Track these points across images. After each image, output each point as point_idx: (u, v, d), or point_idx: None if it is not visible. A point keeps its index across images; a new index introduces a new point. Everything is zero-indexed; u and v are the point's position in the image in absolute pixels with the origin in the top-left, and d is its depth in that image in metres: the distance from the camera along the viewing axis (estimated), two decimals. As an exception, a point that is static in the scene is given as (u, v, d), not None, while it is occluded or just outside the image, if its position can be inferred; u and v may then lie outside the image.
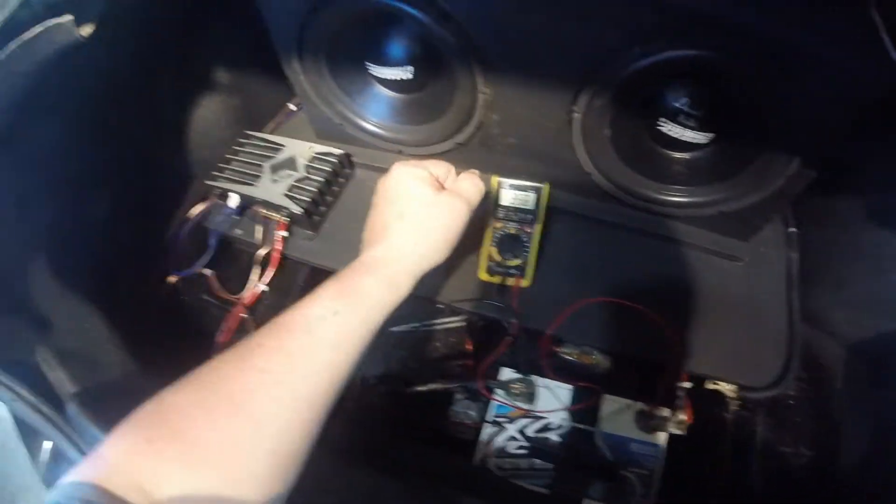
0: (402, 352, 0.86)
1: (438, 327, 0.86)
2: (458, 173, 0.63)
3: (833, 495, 0.77)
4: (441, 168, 0.61)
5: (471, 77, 0.68)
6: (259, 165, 0.84)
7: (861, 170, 0.78)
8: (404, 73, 0.75)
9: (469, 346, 0.84)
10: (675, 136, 0.69)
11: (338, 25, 0.70)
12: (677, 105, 0.66)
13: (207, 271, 0.87)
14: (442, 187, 0.59)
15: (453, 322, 0.85)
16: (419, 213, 0.56)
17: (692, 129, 0.68)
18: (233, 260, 0.91)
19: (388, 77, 0.77)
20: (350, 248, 0.59)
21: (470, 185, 0.60)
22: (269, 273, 0.85)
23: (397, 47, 0.74)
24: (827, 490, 0.78)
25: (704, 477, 0.79)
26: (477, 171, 0.63)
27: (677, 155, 0.73)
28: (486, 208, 0.74)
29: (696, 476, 0.79)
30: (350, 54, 0.76)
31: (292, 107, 0.99)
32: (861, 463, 0.76)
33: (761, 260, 0.81)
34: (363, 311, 0.49)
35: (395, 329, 0.88)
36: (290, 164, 0.85)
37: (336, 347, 0.46)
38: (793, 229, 0.84)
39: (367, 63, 0.76)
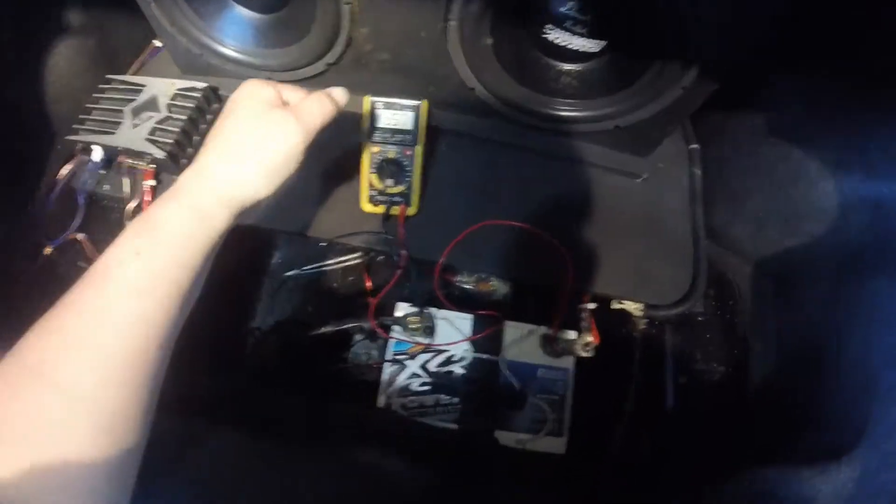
0: (297, 297, 0.81)
1: (334, 267, 0.80)
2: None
3: (744, 408, 0.77)
4: (294, 92, 0.53)
5: None
6: (119, 111, 0.76)
7: (759, 86, 0.76)
8: None
9: (368, 284, 0.79)
10: (564, 44, 0.64)
11: None
12: (564, 10, 0.61)
13: (80, 235, 0.79)
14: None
15: (350, 260, 0.80)
16: (240, 131, 0.47)
17: (581, 36, 0.63)
18: (105, 219, 0.83)
19: None
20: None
21: (312, 106, 0.50)
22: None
23: None
24: (739, 403, 0.78)
25: (617, 397, 0.78)
26: (339, 90, 0.56)
27: (567, 66, 0.68)
28: (362, 131, 0.67)
29: (608, 397, 0.78)
30: None
31: (157, 43, 0.89)
32: (769, 375, 0.76)
33: (662, 176, 0.78)
34: (170, 249, 0.41)
35: (289, 273, 0.82)
36: (152, 104, 0.76)
37: (143, 294, 0.39)
38: (694, 146, 0.82)
39: None
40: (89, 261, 0.80)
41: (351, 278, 0.80)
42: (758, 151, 0.77)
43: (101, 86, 0.79)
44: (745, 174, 0.78)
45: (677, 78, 0.61)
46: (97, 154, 0.76)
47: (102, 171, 0.78)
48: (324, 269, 0.81)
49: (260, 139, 0.46)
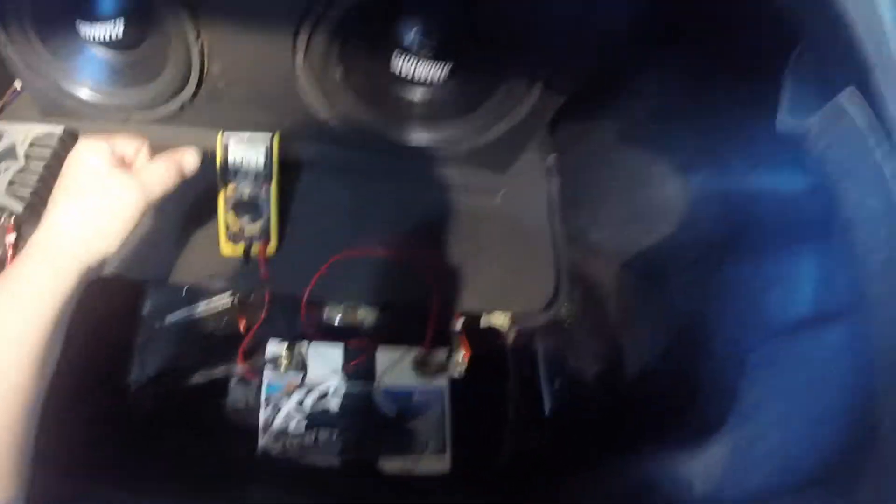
0: (171, 345, 0.78)
1: (207, 313, 0.79)
2: (166, 152, 0.54)
3: (623, 404, 0.82)
4: (130, 145, 0.53)
5: (181, 24, 0.61)
6: None
7: (609, 94, 0.82)
8: (115, 27, 0.66)
9: (242, 326, 0.78)
10: (411, 70, 0.67)
11: None
12: (408, 37, 0.64)
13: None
14: (127, 166, 0.52)
15: (220, 303, 0.79)
16: (85, 191, 0.48)
17: (427, 61, 0.66)
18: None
19: (100, 35, 0.68)
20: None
21: (155, 173, 0.51)
22: None
23: None
24: (617, 399, 0.83)
25: (496, 410, 0.81)
26: (190, 155, 0.55)
27: (416, 92, 0.71)
28: (217, 169, 0.67)
29: (487, 410, 0.81)
30: (57, 13, 0.66)
31: (17, 86, 0.85)
32: (644, 369, 0.82)
33: (521, 190, 0.83)
34: (26, 303, 0.42)
35: (164, 323, 0.79)
36: (10, 153, 0.73)
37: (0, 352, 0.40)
38: (552, 155, 0.87)
39: (77, 20, 0.66)
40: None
41: (225, 319, 0.79)
42: (611, 157, 0.83)
43: None
44: (602, 179, 0.84)
45: (522, 98, 0.66)
46: None
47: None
48: (195, 314, 0.79)
49: (99, 203, 0.47)
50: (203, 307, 0.79)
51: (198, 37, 0.63)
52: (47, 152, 0.73)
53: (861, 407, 0.39)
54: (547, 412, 0.83)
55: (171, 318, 0.80)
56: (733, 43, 0.62)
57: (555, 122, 0.71)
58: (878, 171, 0.34)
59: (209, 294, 0.80)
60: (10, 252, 0.71)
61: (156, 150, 0.58)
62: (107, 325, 0.83)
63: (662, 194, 0.74)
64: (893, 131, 0.33)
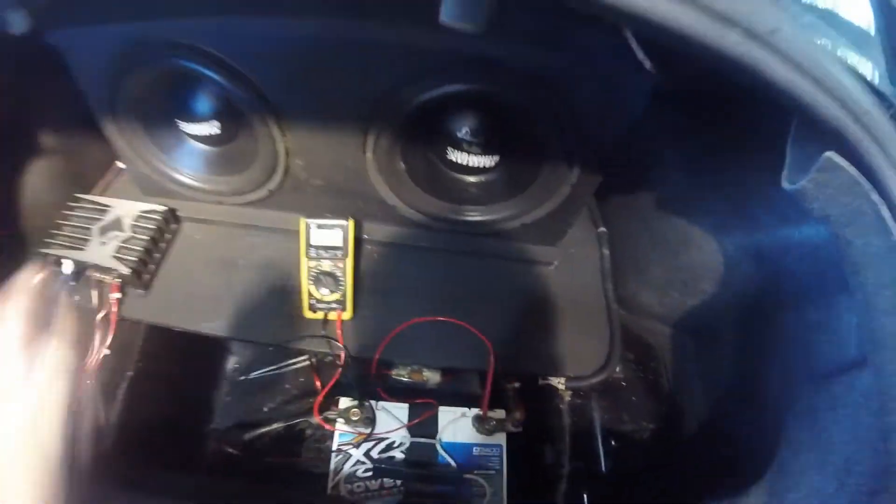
0: (253, 398, 0.88)
1: (287, 369, 0.88)
2: None
3: (681, 458, 0.84)
4: None
5: (268, 128, 0.72)
6: (88, 229, 0.85)
7: (645, 167, 0.87)
8: (211, 128, 0.78)
9: (317, 384, 0.86)
10: (464, 162, 0.75)
11: (145, 87, 0.72)
12: (460, 134, 0.73)
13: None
14: None
15: (299, 362, 0.88)
16: None
17: (477, 154, 0.74)
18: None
19: (198, 133, 0.80)
20: (182, 303, 0.68)
21: None
22: (109, 336, 0.85)
23: (202, 105, 0.77)
24: (674, 455, 0.85)
25: (552, 466, 0.84)
26: None
27: (470, 178, 0.80)
28: (300, 249, 0.77)
29: (543, 467, 0.84)
30: (161, 113, 0.78)
31: (120, 165, 0.99)
32: (700, 424, 0.84)
33: (573, 260, 0.88)
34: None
35: (244, 377, 0.90)
36: (117, 224, 0.86)
37: None
38: (602, 228, 0.92)
39: (178, 120, 0.79)
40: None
41: (301, 379, 0.88)
42: (652, 224, 0.87)
43: (69, 203, 0.88)
44: (646, 245, 0.89)
45: (564, 178, 0.73)
46: (67, 267, 0.84)
47: (73, 283, 0.86)
48: (276, 371, 0.88)
49: None
50: (283, 366, 0.89)
51: (283, 136, 0.73)
52: (151, 226, 0.85)
53: (884, 449, 0.41)
54: (604, 468, 0.86)
55: (254, 373, 0.90)
56: (740, 115, 0.67)
57: (601, 196, 0.76)
58: (877, 211, 0.37)
59: (290, 355, 0.90)
60: (114, 308, 0.83)
61: (245, 229, 0.68)
62: (196, 376, 0.95)
63: (701, 256, 0.78)
64: (878, 178, 0.37)
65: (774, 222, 0.68)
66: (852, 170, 0.38)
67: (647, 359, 0.93)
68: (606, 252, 0.90)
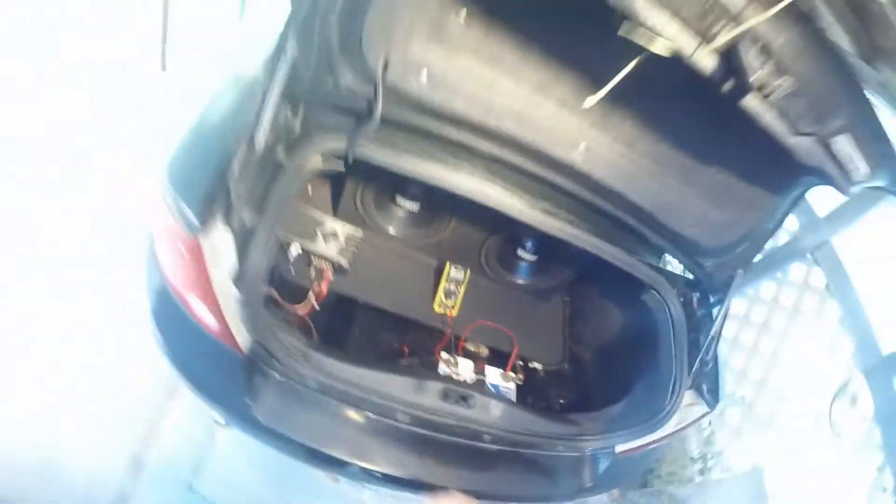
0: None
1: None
2: None
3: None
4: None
5: (442, 211, 1.56)
6: (314, 231, 1.56)
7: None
8: (415, 205, 1.60)
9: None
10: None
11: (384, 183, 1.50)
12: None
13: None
14: None
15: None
16: None
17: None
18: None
19: (405, 205, 1.61)
20: (363, 285, 1.46)
21: None
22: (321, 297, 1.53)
23: (415, 192, 1.59)
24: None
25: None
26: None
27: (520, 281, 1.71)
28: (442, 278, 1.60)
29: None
30: (387, 191, 1.57)
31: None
32: None
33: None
34: None
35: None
36: (334, 235, 1.59)
37: None
38: (566, 298, 1.86)
39: (396, 195, 1.59)
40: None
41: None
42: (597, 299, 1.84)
43: (305, 213, 1.57)
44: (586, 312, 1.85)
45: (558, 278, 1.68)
46: (295, 249, 1.52)
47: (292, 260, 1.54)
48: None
49: None
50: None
51: (450, 223, 1.56)
52: (353, 244, 1.59)
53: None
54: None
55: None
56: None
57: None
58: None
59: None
60: (325, 282, 1.53)
61: (406, 257, 1.52)
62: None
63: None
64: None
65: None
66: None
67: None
68: (567, 312, 1.85)
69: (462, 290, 1.63)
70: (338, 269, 1.55)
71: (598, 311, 1.81)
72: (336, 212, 1.63)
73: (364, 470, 1.20)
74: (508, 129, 1.18)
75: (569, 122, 1.18)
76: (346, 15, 1.01)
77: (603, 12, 0.82)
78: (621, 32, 0.84)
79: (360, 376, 1.15)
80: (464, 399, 1.22)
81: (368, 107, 1.10)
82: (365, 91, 1.09)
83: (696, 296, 1.49)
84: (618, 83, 0.94)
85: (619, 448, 1.39)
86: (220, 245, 1.02)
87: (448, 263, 1.63)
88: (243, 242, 1.04)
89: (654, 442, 1.42)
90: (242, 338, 1.08)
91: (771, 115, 0.90)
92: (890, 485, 1.80)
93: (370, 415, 1.17)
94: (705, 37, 0.82)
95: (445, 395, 1.21)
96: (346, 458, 1.19)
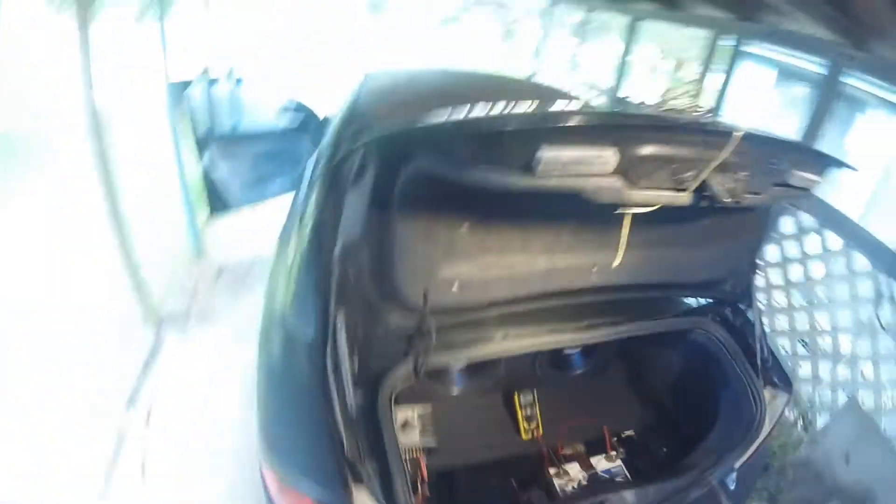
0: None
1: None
2: None
3: None
4: None
5: None
6: None
7: None
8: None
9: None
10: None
11: None
12: None
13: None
14: None
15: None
16: None
17: None
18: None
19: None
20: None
21: None
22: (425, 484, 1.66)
23: None
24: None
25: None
26: None
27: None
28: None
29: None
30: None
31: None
32: None
33: None
34: None
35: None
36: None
37: None
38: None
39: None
40: None
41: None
42: None
43: None
44: None
45: None
46: None
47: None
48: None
49: None
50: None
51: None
52: (429, 421, 1.73)
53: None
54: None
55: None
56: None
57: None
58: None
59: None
60: (425, 475, 1.63)
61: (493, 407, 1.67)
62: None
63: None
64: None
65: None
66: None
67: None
68: None
69: (537, 408, 1.78)
70: (428, 450, 1.69)
71: (656, 359, 1.96)
72: (401, 400, 1.77)
73: None
74: (534, 289, 1.43)
75: (578, 259, 1.44)
76: (377, 272, 1.23)
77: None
78: (619, 211, 1.13)
79: None
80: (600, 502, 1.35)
81: (420, 330, 1.30)
82: (412, 322, 1.30)
83: (728, 311, 1.72)
84: (603, 218, 1.17)
85: (737, 463, 1.52)
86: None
87: (515, 393, 1.79)
88: (383, 489, 1.17)
89: (761, 444, 1.56)
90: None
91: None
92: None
93: None
94: (680, 187, 1.09)
95: None
96: None
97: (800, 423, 2.51)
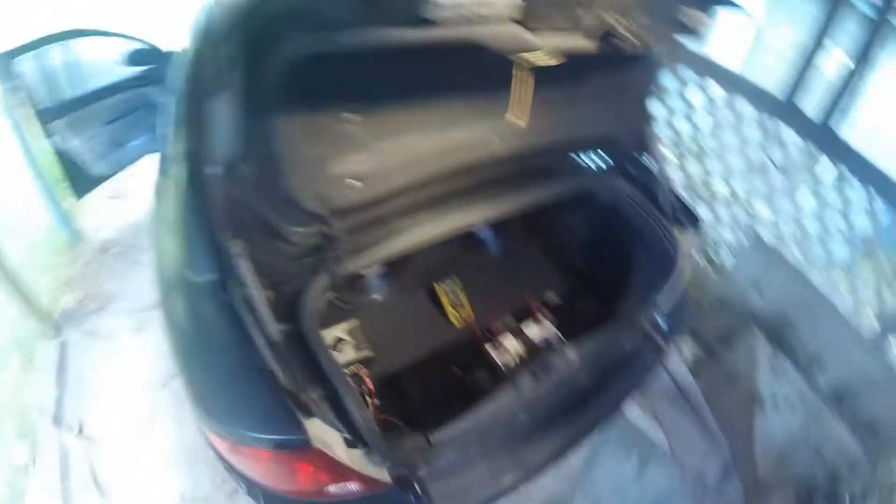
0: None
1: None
2: None
3: None
4: None
5: None
6: None
7: None
8: None
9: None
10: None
11: None
12: None
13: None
14: None
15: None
16: None
17: None
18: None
19: None
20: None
21: None
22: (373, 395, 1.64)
23: None
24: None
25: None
26: None
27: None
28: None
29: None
30: None
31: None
32: None
33: None
34: None
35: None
36: None
37: None
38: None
39: None
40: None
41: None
42: None
43: None
44: None
45: None
46: None
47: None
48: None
49: None
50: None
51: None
52: (359, 334, 1.71)
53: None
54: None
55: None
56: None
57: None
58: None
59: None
60: (371, 388, 1.61)
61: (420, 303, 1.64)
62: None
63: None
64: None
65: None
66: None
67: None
68: None
69: (462, 294, 1.80)
70: (366, 362, 1.66)
71: (568, 222, 2.00)
72: (328, 321, 1.70)
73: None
74: (437, 169, 1.35)
75: (477, 131, 1.37)
76: (265, 186, 1.10)
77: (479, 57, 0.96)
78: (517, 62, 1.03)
79: (478, 413, 1.25)
80: (547, 366, 1.37)
81: (327, 237, 1.19)
82: (317, 230, 1.19)
83: (629, 165, 1.76)
84: (497, 83, 1.09)
85: (664, 305, 1.62)
86: (325, 434, 1.09)
87: (435, 284, 1.78)
88: (335, 412, 1.12)
89: (679, 279, 1.64)
90: (382, 475, 1.18)
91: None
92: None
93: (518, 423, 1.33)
94: (578, 28, 1.02)
95: (534, 375, 1.35)
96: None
97: (708, 262, 2.73)
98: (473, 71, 1.09)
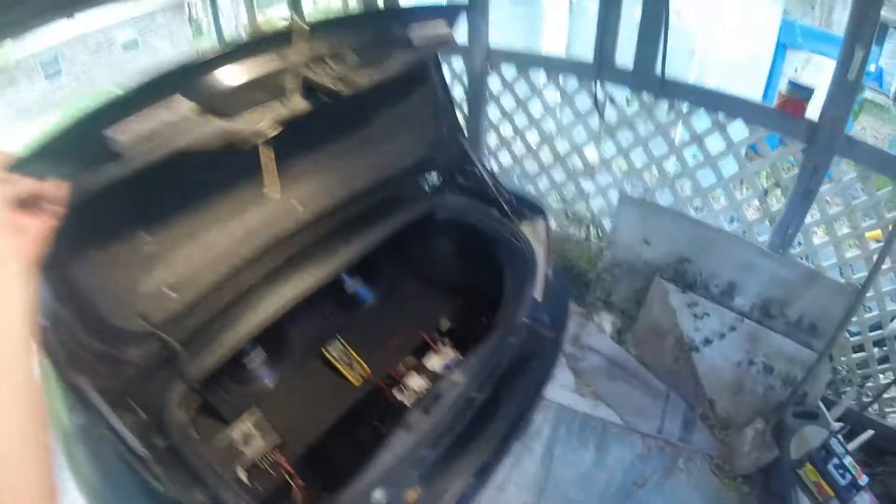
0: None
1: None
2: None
3: None
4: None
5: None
6: None
7: None
8: None
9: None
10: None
11: None
12: None
13: None
14: None
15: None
16: None
17: None
18: None
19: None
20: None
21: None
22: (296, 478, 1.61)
23: None
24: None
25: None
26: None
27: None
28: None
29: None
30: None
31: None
32: None
33: None
34: None
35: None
36: None
37: None
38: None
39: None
40: None
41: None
42: None
43: None
44: None
45: None
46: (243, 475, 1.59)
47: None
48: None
49: None
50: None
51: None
52: (265, 423, 1.68)
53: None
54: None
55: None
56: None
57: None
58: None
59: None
60: (291, 469, 1.58)
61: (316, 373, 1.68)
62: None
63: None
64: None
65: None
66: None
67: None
68: None
69: (352, 352, 1.81)
70: (280, 447, 1.65)
71: (434, 250, 2.03)
72: (228, 419, 1.69)
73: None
74: (247, 252, 1.40)
75: (272, 207, 1.42)
76: (86, 322, 1.13)
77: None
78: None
79: (376, 465, 1.25)
80: (436, 396, 1.38)
81: (167, 348, 1.24)
82: (153, 346, 1.23)
83: (459, 177, 1.84)
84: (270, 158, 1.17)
85: (536, 295, 1.66)
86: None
87: (324, 351, 1.79)
88: None
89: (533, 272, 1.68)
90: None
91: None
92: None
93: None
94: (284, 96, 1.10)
95: (426, 409, 1.35)
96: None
97: (588, 235, 2.81)
98: (236, 159, 1.14)
